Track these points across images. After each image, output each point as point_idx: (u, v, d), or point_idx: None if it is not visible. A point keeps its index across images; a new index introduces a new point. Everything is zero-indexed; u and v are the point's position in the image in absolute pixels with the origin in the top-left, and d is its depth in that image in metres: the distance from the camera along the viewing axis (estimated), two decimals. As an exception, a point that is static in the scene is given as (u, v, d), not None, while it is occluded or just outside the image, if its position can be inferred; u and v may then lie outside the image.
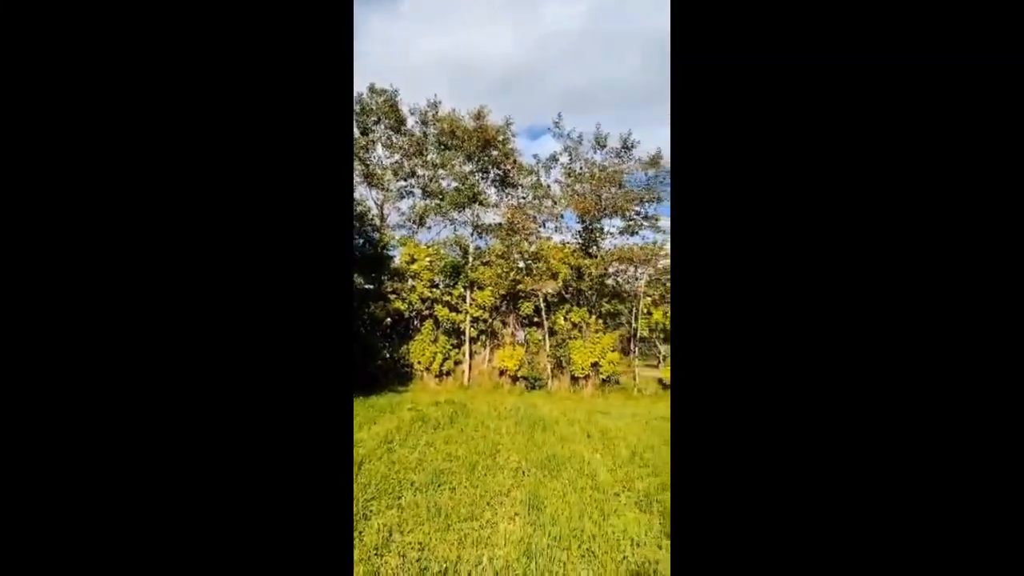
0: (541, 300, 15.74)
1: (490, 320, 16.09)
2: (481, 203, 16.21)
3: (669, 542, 3.81)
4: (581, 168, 16.66)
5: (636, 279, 17.05)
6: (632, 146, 16.09)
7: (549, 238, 16.95)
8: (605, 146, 16.34)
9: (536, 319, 16.31)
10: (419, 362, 15.16)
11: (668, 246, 16.75)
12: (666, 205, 20.19)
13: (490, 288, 15.49)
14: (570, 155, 16.71)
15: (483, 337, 16.29)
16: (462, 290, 15.78)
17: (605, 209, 16.44)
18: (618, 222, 16.87)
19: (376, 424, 8.06)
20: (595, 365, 14.99)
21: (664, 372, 15.26)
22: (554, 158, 16.85)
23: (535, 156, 21.69)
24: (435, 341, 15.30)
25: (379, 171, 16.79)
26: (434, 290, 15.65)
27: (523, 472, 5.61)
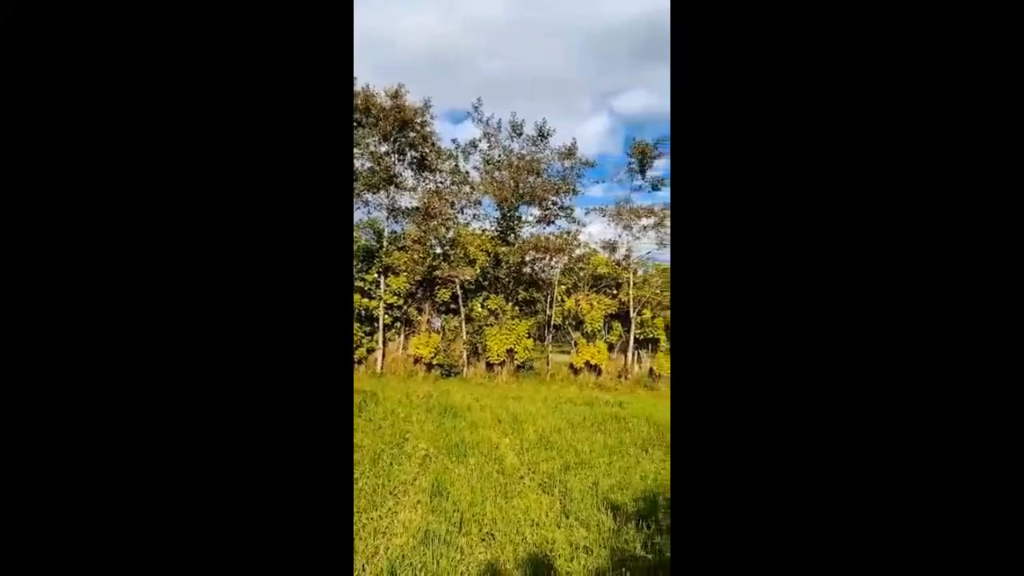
0: (458, 287, 15.62)
1: (405, 307, 15.73)
2: (397, 186, 15.72)
3: (567, 521, 3.93)
4: (500, 155, 16.65)
5: (552, 268, 17.42)
6: (548, 135, 16.31)
7: (467, 224, 16.83)
8: (522, 134, 16.43)
9: (453, 306, 16.19)
10: (329, 350, 14.49)
11: (582, 236, 17.28)
12: (581, 196, 20.77)
13: (405, 274, 15.12)
14: (489, 141, 16.65)
15: (398, 324, 15.91)
16: (376, 275, 15.26)
17: (523, 197, 16.59)
18: (535, 211, 17.10)
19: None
20: (510, 352, 15.17)
21: (575, 358, 15.80)
22: (473, 144, 16.69)
23: (454, 141, 21.37)
24: (346, 328, 14.70)
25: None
26: (346, 275, 14.98)
27: (430, 459, 5.54)
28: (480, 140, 16.59)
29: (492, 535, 3.64)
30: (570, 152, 16.45)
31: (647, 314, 16.66)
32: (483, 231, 16.84)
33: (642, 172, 16.64)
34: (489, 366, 15.21)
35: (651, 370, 15.86)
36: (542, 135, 16.35)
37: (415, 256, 15.17)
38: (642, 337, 16.80)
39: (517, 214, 17.19)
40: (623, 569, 2.99)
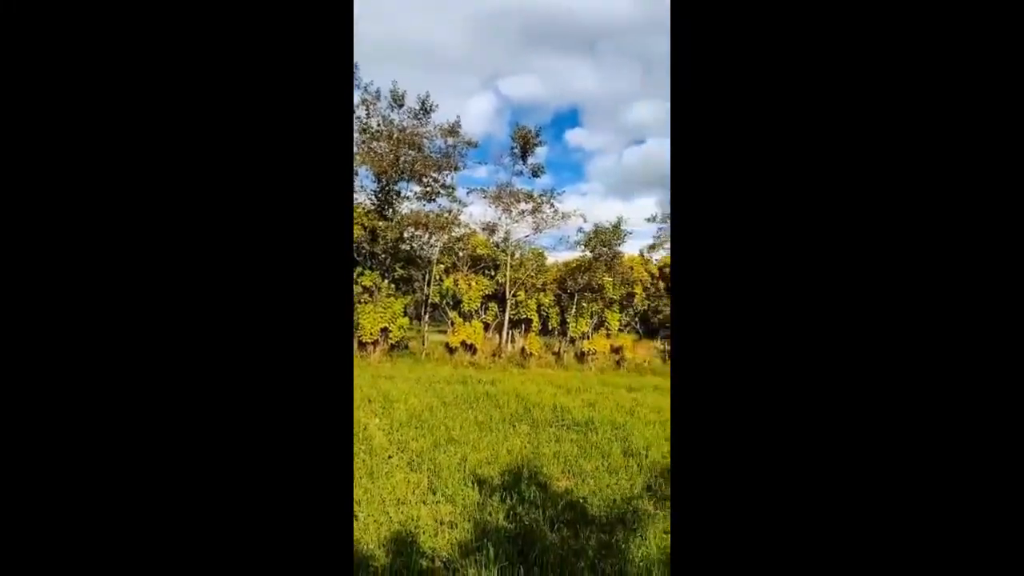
0: (329, 261, 14.72)
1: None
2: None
3: (434, 497, 3.95)
4: (379, 125, 15.89)
5: (431, 246, 17.19)
6: (431, 109, 15.93)
7: (341, 196, 15.87)
8: (403, 105, 15.85)
9: (323, 281, 15.24)
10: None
11: (462, 216, 17.26)
12: (463, 174, 20.64)
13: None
14: (367, 109, 15.78)
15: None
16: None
17: (403, 172, 16.06)
18: (416, 187, 16.67)
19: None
20: (384, 330, 14.76)
21: (451, 337, 15.87)
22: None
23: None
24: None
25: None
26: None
27: (290, 443, 5.21)
28: (357, 107, 15.65)
29: (356, 516, 3.53)
30: (453, 130, 16.24)
31: (521, 296, 17.24)
32: (359, 204, 16.02)
33: (523, 158, 17.01)
34: (362, 345, 14.66)
35: (523, 349, 16.49)
36: (425, 109, 15.91)
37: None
38: (516, 318, 17.37)
39: (396, 189, 16.62)
40: (484, 540, 3.09)
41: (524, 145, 16.79)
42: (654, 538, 3.19)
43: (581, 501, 3.88)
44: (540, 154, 17.07)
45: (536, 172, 17.23)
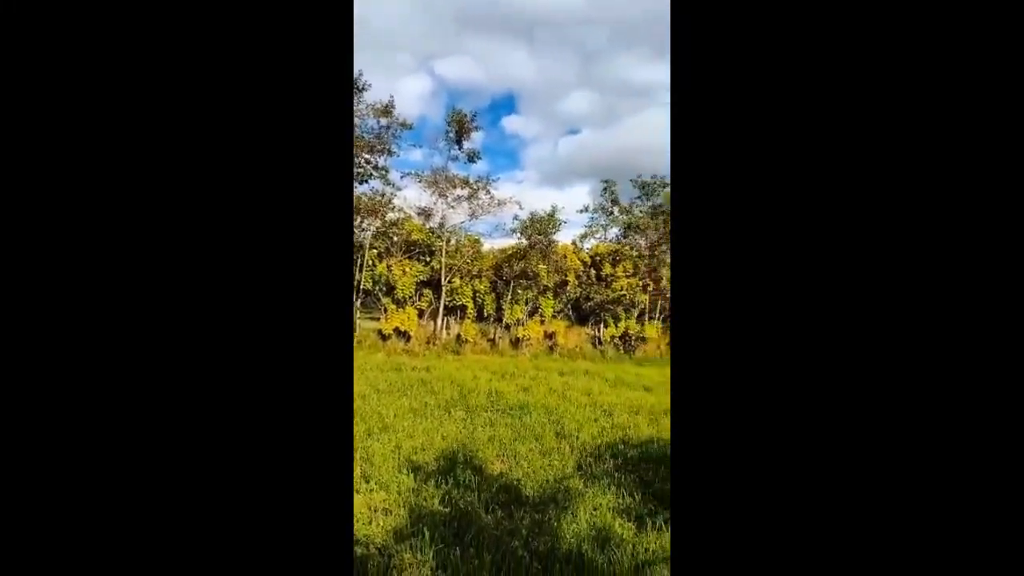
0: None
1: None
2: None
3: (368, 486, 3.91)
4: (308, 102, 15.07)
5: (363, 230, 16.66)
6: (364, 88, 15.34)
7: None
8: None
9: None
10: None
11: (396, 200, 16.84)
12: (398, 158, 20.13)
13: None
14: (296, 84, 14.90)
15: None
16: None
17: (333, 152, 15.37)
18: (347, 168, 16.01)
19: None
20: (313, 317, 14.19)
21: (384, 324, 15.54)
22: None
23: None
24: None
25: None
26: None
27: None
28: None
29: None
30: (387, 110, 15.74)
31: (456, 282, 17.16)
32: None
33: (459, 143, 16.81)
34: (288, 332, 14.02)
35: (458, 336, 16.46)
36: (357, 87, 15.28)
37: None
38: (451, 304, 17.29)
39: (326, 170, 15.90)
40: (420, 525, 3.10)
41: (460, 129, 16.58)
42: (584, 514, 3.34)
43: (515, 483, 3.98)
44: (476, 139, 16.93)
45: (472, 157, 17.09)
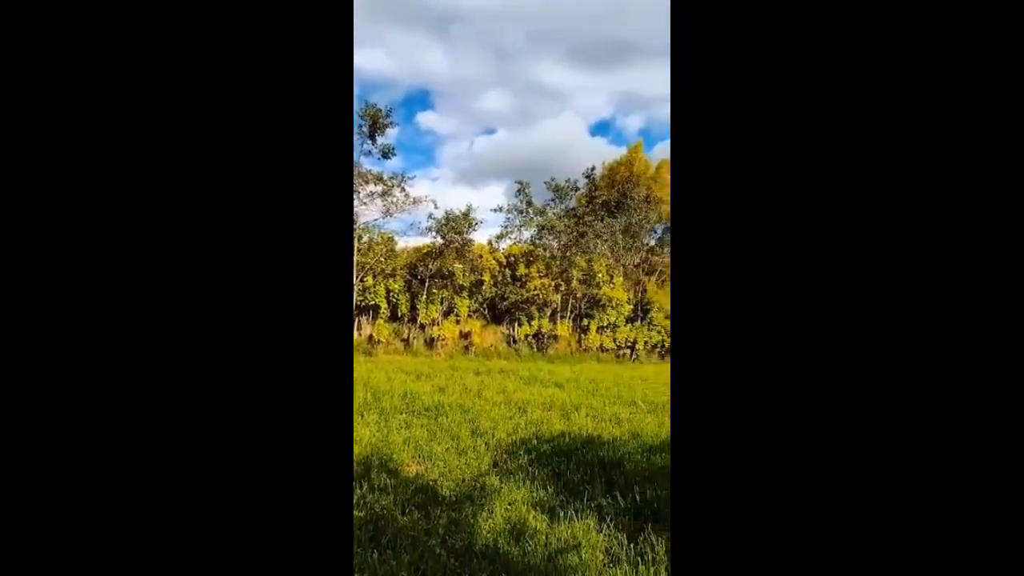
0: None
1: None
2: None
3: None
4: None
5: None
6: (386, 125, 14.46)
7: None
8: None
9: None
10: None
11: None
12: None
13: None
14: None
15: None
16: None
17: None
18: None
19: None
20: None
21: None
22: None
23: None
24: None
25: None
26: None
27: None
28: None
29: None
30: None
31: (369, 281, 16.69)
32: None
33: (372, 138, 16.36)
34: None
35: (371, 336, 16.03)
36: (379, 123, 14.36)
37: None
38: (364, 304, 16.77)
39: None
40: (335, 531, 3.04)
41: (374, 124, 16.15)
42: (500, 510, 3.45)
43: (431, 484, 4.01)
44: (391, 135, 16.54)
45: (386, 153, 16.71)
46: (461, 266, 17.89)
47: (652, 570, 2.61)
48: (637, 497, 3.62)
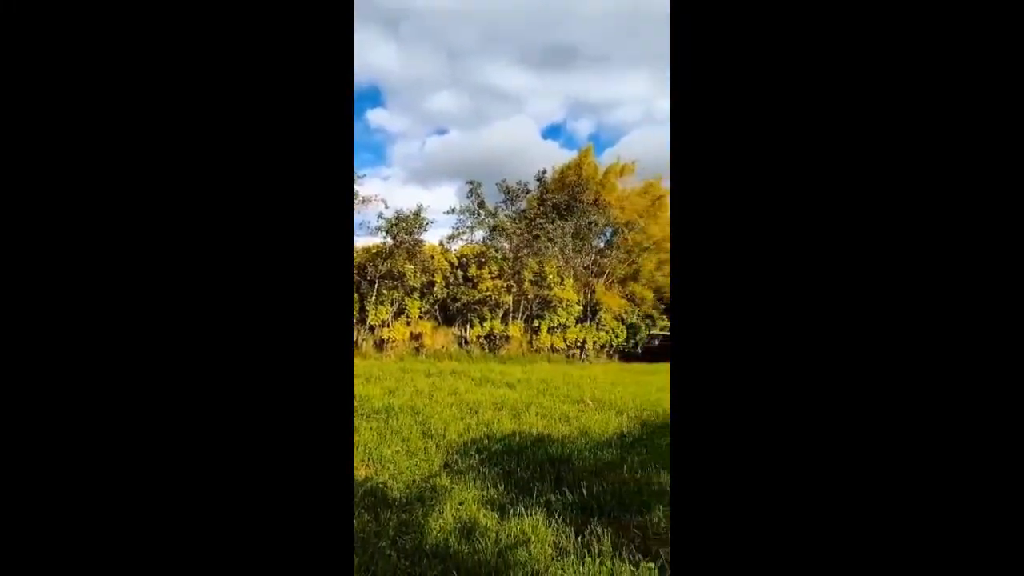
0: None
1: None
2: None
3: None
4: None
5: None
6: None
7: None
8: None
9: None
10: None
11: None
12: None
13: None
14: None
15: None
16: None
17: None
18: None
19: None
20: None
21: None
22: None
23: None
24: None
25: None
26: None
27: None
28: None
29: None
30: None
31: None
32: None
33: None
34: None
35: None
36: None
37: None
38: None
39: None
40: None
41: (322, 121, 15.70)
42: (450, 509, 3.47)
43: (381, 486, 3.98)
44: (340, 133, 16.10)
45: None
46: (412, 267, 17.68)
47: (598, 560, 2.71)
48: (584, 492, 3.73)
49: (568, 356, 18.92)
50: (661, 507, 3.47)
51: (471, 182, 19.33)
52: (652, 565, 2.65)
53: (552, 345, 18.80)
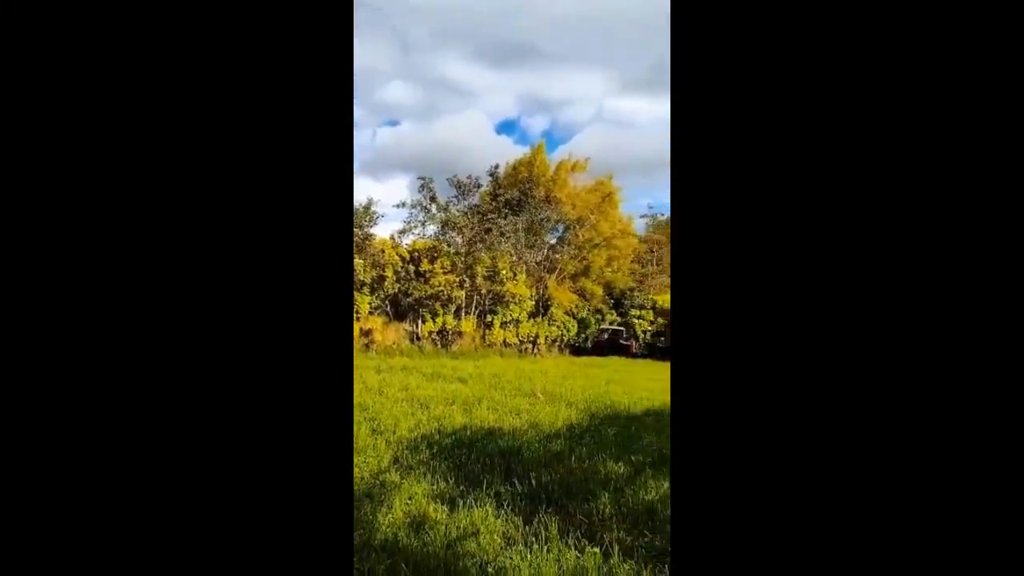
0: None
1: None
2: None
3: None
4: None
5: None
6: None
7: None
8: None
9: None
10: None
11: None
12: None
13: None
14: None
15: None
16: None
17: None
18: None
19: None
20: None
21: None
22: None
23: None
24: None
25: None
26: None
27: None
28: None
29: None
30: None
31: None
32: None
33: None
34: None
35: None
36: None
37: None
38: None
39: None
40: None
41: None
42: (400, 504, 3.46)
43: (328, 483, 3.91)
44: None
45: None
46: (362, 261, 17.30)
47: (545, 548, 2.78)
48: (533, 482, 3.81)
49: (521, 351, 19.09)
50: (606, 494, 3.60)
51: (422, 177, 19.12)
52: (596, 550, 2.74)
53: (505, 340, 18.89)
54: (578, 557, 2.70)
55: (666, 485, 3.77)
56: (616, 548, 2.77)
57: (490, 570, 2.60)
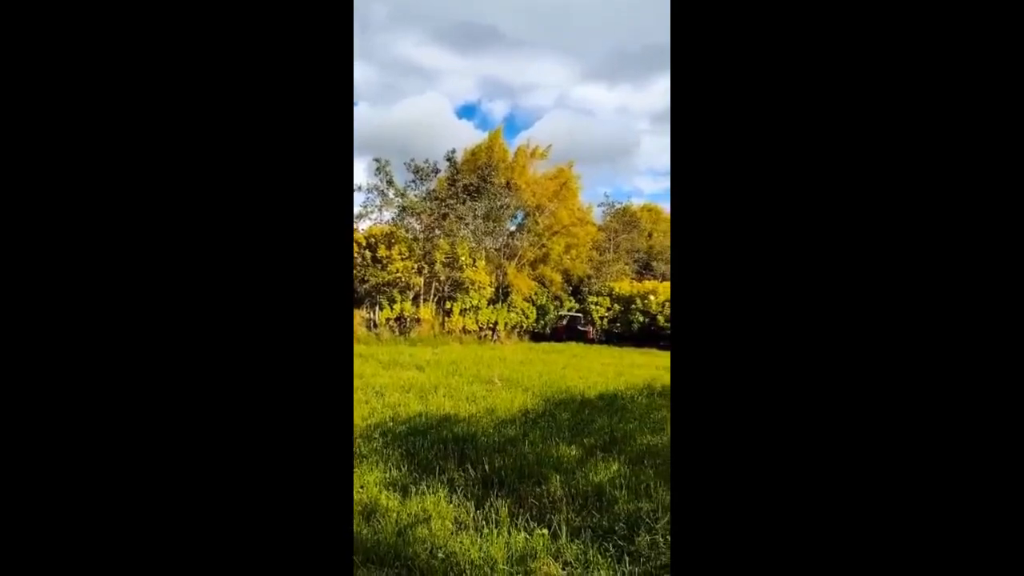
0: None
1: None
2: None
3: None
4: None
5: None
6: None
7: None
8: None
9: None
10: None
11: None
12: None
13: None
14: None
15: None
16: None
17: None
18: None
19: None
20: None
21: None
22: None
23: None
24: None
25: None
26: None
27: None
28: None
29: None
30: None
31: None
32: None
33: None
34: None
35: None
36: None
37: None
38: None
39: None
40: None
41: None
42: (355, 493, 3.43)
43: (277, 474, 3.83)
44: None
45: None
46: (316, 247, 16.81)
47: (495, 531, 2.83)
48: (486, 467, 3.85)
49: (480, 337, 19.12)
50: (558, 477, 3.68)
51: (378, 159, 18.68)
52: (545, 532, 2.81)
53: (464, 327, 18.87)
54: (527, 539, 2.76)
55: (615, 467, 3.89)
56: (565, 528, 2.85)
57: (440, 555, 2.62)
